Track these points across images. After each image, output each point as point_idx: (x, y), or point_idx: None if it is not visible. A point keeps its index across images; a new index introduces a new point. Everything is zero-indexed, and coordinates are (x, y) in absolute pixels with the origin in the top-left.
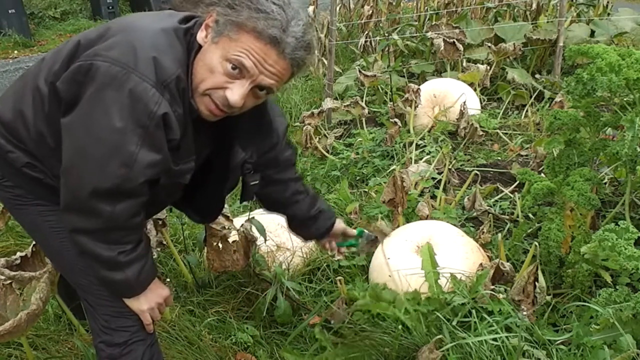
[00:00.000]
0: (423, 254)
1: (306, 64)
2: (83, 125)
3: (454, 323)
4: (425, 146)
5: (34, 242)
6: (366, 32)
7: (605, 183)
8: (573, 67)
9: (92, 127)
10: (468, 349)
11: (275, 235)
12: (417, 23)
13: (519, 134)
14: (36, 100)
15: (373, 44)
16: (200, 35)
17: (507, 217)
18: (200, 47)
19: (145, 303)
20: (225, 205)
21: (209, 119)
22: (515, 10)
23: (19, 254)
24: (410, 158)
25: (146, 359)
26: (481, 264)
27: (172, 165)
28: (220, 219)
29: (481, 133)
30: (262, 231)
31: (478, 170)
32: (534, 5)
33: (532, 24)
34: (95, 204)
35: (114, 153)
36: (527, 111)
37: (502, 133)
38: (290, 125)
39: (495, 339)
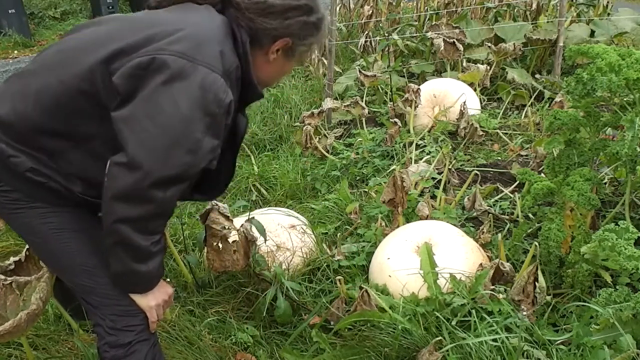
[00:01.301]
0: (422, 254)
1: None
2: (149, 115)
3: (453, 323)
4: (425, 146)
5: (27, 246)
6: (366, 32)
7: (605, 183)
8: (573, 67)
9: (159, 117)
10: (468, 349)
11: (275, 235)
12: (417, 23)
13: (519, 134)
14: (50, 100)
15: (373, 44)
16: (266, 57)
17: (507, 217)
18: (247, 38)
19: (154, 299)
20: (225, 205)
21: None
22: (515, 10)
23: (12, 259)
24: (410, 158)
25: (149, 359)
26: (481, 264)
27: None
28: (220, 218)
29: (481, 133)
30: (262, 231)
31: (478, 170)
32: (534, 5)
33: (532, 24)
34: (152, 191)
35: (181, 141)
36: (527, 111)
37: (502, 133)
38: (291, 125)
39: (495, 339)
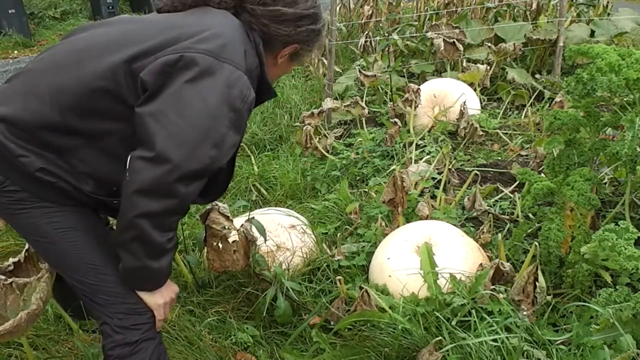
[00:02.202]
0: (422, 254)
1: None
2: (177, 110)
3: (453, 323)
4: (425, 146)
5: (26, 247)
6: (366, 32)
7: (605, 183)
8: (573, 67)
9: (188, 112)
10: (468, 349)
11: (275, 235)
12: (417, 23)
13: (519, 134)
14: (66, 98)
15: (373, 44)
16: (274, 62)
17: (507, 217)
18: (260, 41)
19: (161, 297)
20: (225, 205)
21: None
22: (515, 10)
23: (11, 260)
24: (410, 158)
25: (154, 357)
26: (481, 264)
27: None
28: (220, 218)
29: (481, 133)
30: (262, 231)
31: (478, 170)
32: (534, 5)
33: (532, 24)
34: (177, 185)
35: (207, 136)
36: (527, 111)
37: (502, 133)
38: (291, 125)
39: (495, 339)
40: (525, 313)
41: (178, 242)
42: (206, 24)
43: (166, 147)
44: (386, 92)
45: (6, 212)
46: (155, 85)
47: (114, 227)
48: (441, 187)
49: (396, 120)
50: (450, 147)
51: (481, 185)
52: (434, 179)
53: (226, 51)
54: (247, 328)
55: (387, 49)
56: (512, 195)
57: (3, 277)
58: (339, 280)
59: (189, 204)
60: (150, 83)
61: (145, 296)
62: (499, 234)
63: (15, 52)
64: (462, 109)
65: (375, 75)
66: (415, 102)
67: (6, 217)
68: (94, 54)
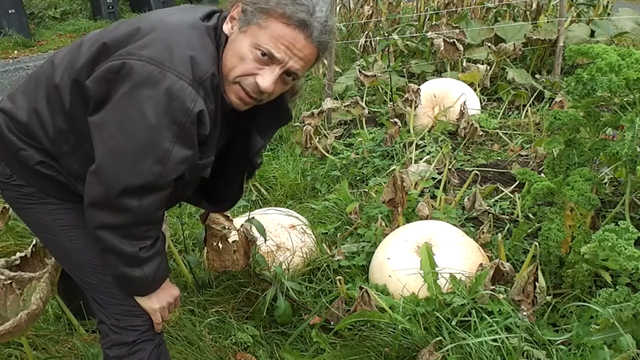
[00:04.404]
0: (422, 254)
1: (329, 48)
2: (116, 123)
3: (453, 323)
4: (425, 146)
5: (33, 243)
6: (366, 32)
7: (605, 183)
8: (573, 67)
9: (126, 124)
10: (468, 350)
11: (275, 235)
12: (417, 23)
13: (519, 134)
14: (54, 99)
15: (373, 44)
16: (226, 27)
17: (507, 217)
18: (226, 40)
19: (157, 302)
20: None
21: (239, 109)
22: (515, 10)
23: (18, 254)
24: (410, 158)
25: (153, 359)
26: (481, 264)
27: (197, 159)
28: (220, 219)
29: (481, 133)
30: (262, 231)
31: (478, 170)
32: (534, 5)
33: (532, 24)
34: (124, 199)
35: (148, 150)
36: (527, 111)
37: (502, 133)
38: (291, 125)
39: (495, 339)
40: (525, 313)
41: (179, 242)
42: (161, 23)
43: (104, 161)
44: (386, 92)
45: (16, 205)
46: (99, 94)
47: None
48: (441, 187)
49: (396, 120)
50: (450, 147)
51: (481, 185)
52: (434, 179)
53: (170, 58)
54: (247, 328)
55: (387, 49)
56: (512, 195)
57: (3, 277)
58: (339, 280)
59: (154, 215)
60: (94, 90)
61: (140, 300)
62: (499, 234)
63: (15, 52)
64: (462, 109)
65: (375, 75)
66: (415, 102)
67: (17, 210)
68: (77, 55)
